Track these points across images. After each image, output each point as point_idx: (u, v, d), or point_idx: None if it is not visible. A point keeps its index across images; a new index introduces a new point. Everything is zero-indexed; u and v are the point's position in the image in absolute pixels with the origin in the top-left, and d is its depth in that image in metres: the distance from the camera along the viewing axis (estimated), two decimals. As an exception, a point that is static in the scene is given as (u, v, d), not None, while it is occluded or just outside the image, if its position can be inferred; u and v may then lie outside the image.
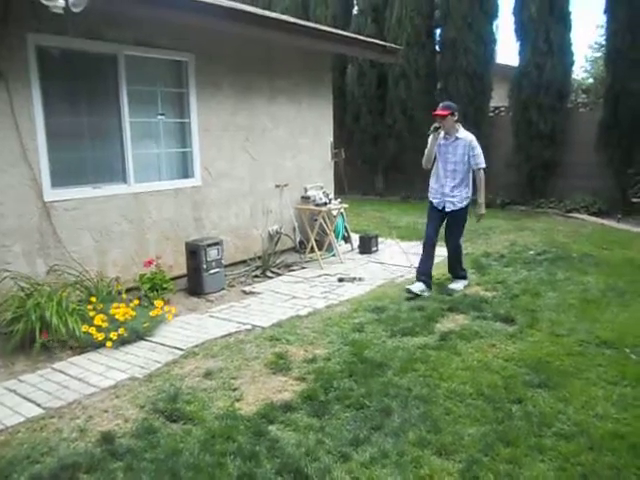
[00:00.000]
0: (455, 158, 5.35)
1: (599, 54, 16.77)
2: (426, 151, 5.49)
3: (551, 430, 2.94)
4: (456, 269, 5.73)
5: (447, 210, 5.44)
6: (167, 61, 5.63)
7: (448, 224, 5.56)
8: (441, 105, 5.36)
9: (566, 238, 8.04)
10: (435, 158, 5.49)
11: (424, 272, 5.47)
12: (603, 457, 2.69)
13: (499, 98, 11.79)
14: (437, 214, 5.52)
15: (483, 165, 5.38)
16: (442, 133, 5.36)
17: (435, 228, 5.54)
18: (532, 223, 9.38)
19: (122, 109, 5.14)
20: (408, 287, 5.35)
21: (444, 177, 5.43)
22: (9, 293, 4.28)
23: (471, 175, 5.44)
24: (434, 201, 5.54)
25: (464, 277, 5.74)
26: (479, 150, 5.34)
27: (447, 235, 5.64)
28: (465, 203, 5.43)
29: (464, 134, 5.37)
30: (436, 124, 5.31)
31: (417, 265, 5.60)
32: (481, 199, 5.55)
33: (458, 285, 5.60)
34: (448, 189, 5.40)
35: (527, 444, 2.81)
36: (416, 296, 5.22)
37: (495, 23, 11.22)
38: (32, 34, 4.45)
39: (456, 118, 5.33)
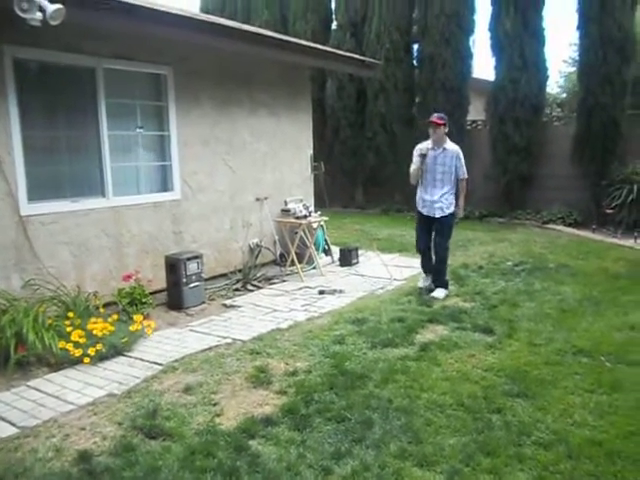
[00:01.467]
0: (444, 168, 5.64)
1: (573, 69, 17.20)
2: (413, 167, 5.74)
3: (530, 439, 2.97)
4: (440, 276, 5.85)
5: (437, 216, 5.69)
6: (146, 74, 5.62)
7: (437, 230, 5.78)
8: (436, 115, 5.66)
9: (543, 249, 8.18)
10: (422, 171, 5.74)
11: (429, 268, 5.96)
12: (581, 465, 2.73)
13: (476, 112, 12.01)
14: (427, 224, 5.81)
15: (467, 175, 5.79)
16: (430, 144, 5.63)
17: (427, 236, 5.86)
18: (510, 234, 9.52)
19: (100, 122, 5.11)
20: (420, 286, 5.90)
21: (433, 186, 5.69)
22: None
23: (456, 184, 5.74)
24: (424, 211, 5.79)
25: (446, 286, 5.84)
26: (464, 162, 5.72)
27: (436, 241, 5.82)
28: (453, 209, 5.71)
29: (451, 145, 5.69)
30: (423, 147, 5.63)
31: (420, 264, 6.09)
32: (461, 203, 5.85)
33: (440, 293, 5.71)
34: (437, 196, 5.66)
35: (507, 454, 2.83)
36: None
37: (472, 38, 11.48)
38: (9, 46, 4.41)
39: (446, 130, 5.65)
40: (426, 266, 6.01)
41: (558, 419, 3.17)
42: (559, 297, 5.61)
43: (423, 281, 6.02)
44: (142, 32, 4.94)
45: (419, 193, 5.83)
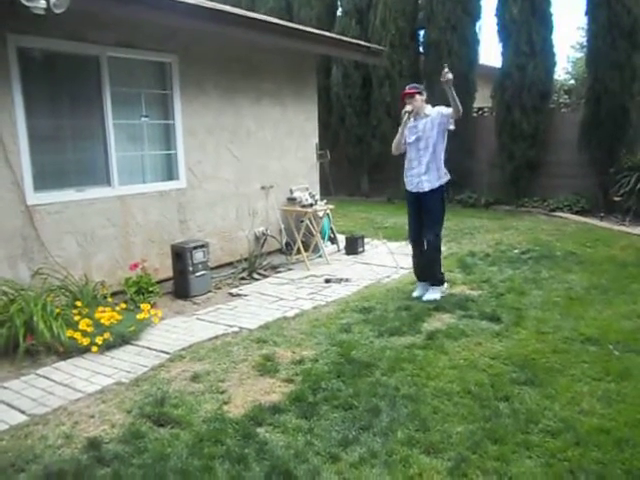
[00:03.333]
0: (426, 134, 5.14)
1: (580, 55, 17.00)
2: (397, 137, 5.32)
3: (538, 427, 2.96)
4: (432, 272, 5.28)
5: (425, 190, 5.16)
6: (151, 62, 5.59)
7: (426, 211, 5.21)
8: (408, 87, 5.28)
9: (550, 237, 8.14)
10: (405, 145, 5.31)
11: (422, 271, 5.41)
12: (589, 452, 2.72)
13: (483, 99, 11.90)
14: (416, 204, 5.28)
15: (450, 110, 5.00)
16: (412, 117, 5.18)
17: (418, 218, 5.29)
18: (516, 222, 9.47)
19: (105, 111, 5.10)
20: (415, 295, 5.29)
21: (417, 158, 5.21)
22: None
23: (442, 156, 5.20)
24: (409, 187, 5.30)
25: (441, 282, 5.34)
26: (447, 109, 5.03)
27: (425, 226, 5.22)
28: (441, 182, 5.17)
29: (432, 110, 5.18)
30: (408, 107, 5.14)
31: (413, 268, 5.57)
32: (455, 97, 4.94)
33: (434, 295, 5.19)
34: (423, 168, 5.16)
35: (514, 441, 2.83)
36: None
37: (478, 24, 11.35)
38: (13, 35, 4.39)
39: (424, 97, 5.21)
40: (419, 268, 5.43)
41: (566, 407, 3.16)
42: (567, 285, 5.58)
43: (418, 290, 5.34)
44: (146, 20, 4.91)
45: (405, 171, 5.36)
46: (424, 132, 5.16)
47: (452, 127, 5.15)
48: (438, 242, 5.31)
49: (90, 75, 5.03)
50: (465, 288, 5.60)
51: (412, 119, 5.21)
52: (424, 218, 5.26)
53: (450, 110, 5.00)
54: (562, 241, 7.79)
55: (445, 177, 5.23)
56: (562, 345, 4.06)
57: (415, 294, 5.33)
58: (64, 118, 4.97)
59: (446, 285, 5.44)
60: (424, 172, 5.18)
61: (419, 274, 5.45)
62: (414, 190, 5.27)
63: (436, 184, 5.17)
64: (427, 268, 5.33)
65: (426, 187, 5.18)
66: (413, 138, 5.23)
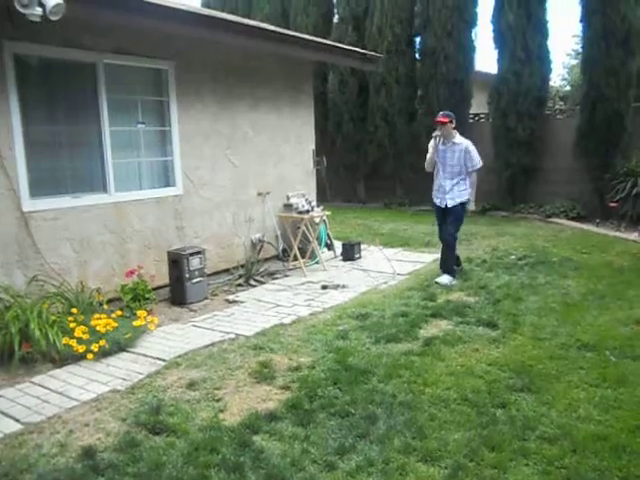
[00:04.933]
0: (453, 161, 5.96)
1: (576, 61, 17.11)
2: (428, 156, 6.13)
3: (535, 434, 2.96)
4: (446, 262, 6.08)
5: (448, 206, 6.02)
6: (147, 69, 5.60)
7: (447, 217, 6.07)
8: (441, 113, 5.99)
9: (546, 243, 8.15)
10: (435, 162, 6.10)
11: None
12: (586, 459, 2.71)
13: (479, 105, 11.95)
14: (441, 212, 6.13)
15: (478, 166, 6.00)
16: (441, 140, 5.96)
17: (442, 224, 6.19)
18: (513, 228, 9.49)
19: (102, 117, 5.10)
20: (436, 280, 5.94)
21: (444, 178, 6.04)
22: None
23: (464, 180, 6.00)
24: (436, 201, 6.16)
25: (452, 273, 6.03)
26: (474, 154, 5.95)
27: (446, 227, 6.09)
28: (463, 199, 5.99)
29: (460, 140, 5.98)
30: (437, 132, 5.93)
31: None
32: (473, 197, 6.09)
33: (444, 279, 5.92)
34: (448, 188, 6.00)
35: (511, 448, 2.83)
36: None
37: (474, 31, 11.40)
38: (9, 42, 4.39)
39: (454, 125, 5.95)
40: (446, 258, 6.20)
41: (563, 413, 3.16)
42: (563, 291, 5.59)
43: (442, 280, 6.07)
44: (143, 27, 4.92)
45: (434, 186, 6.20)
46: (451, 160, 5.97)
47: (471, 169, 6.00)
48: (452, 241, 6.09)
49: (86, 82, 5.03)
50: (462, 294, 5.60)
51: (441, 142, 5.98)
52: (446, 222, 6.14)
53: (477, 165, 5.98)
54: (558, 247, 7.80)
55: (465, 197, 6.01)
56: (559, 351, 4.06)
57: (438, 280, 6.03)
58: (60, 125, 4.97)
59: (455, 279, 6.01)
60: (448, 192, 6.03)
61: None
62: (438, 204, 6.15)
63: (457, 201, 6.02)
64: (442, 260, 6.19)
65: (450, 204, 6.04)
66: (441, 162, 6.05)
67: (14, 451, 2.91)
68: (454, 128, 5.97)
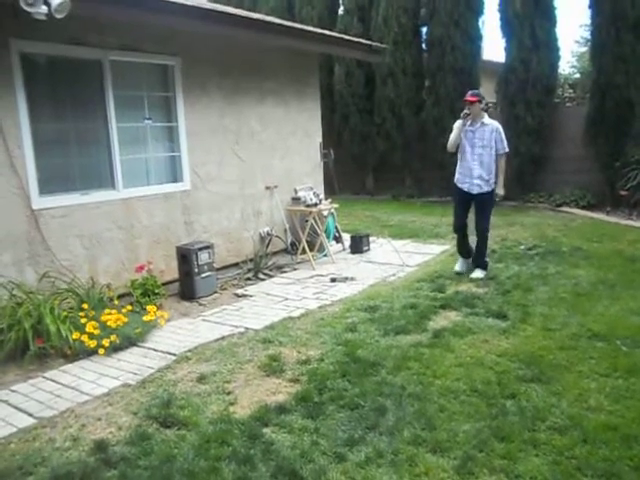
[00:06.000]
0: (482, 142, 5.66)
1: (585, 49, 16.88)
2: (452, 136, 5.77)
3: (545, 424, 2.95)
4: (480, 256, 5.91)
5: (475, 192, 5.72)
6: (153, 65, 5.60)
7: (477, 209, 5.82)
8: (470, 92, 5.74)
9: (556, 232, 8.09)
10: (459, 145, 5.78)
11: (465, 251, 6.05)
12: (597, 450, 2.70)
13: (486, 94, 11.79)
14: (465, 201, 5.84)
15: (507, 149, 5.75)
16: (469, 120, 5.67)
17: (465, 211, 5.91)
18: (522, 218, 9.43)
19: (109, 114, 5.12)
20: (457, 270, 5.95)
21: (472, 161, 5.70)
22: (1, 302, 4.24)
23: (494, 165, 5.72)
24: (463, 187, 5.79)
25: (485, 267, 5.91)
26: (504, 136, 5.70)
27: (477, 220, 5.85)
28: (492, 186, 5.73)
29: (490, 121, 5.72)
30: (466, 110, 5.63)
31: (457, 247, 6.18)
32: (500, 180, 5.79)
33: (478, 274, 5.80)
34: (477, 172, 5.68)
35: (521, 439, 2.82)
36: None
37: (481, 20, 11.28)
38: (15, 40, 4.41)
39: (482, 105, 5.68)
40: (462, 248, 6.07)
41: (573, 404, 3.14)
42: (573, 281, 5.55)
43: (459, 265, 6.06)
44: (148, 23, 4.92)
45: (458, 169, 5.87)
46: (482, 140, 5.66)
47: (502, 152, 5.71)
48: (487, 235, 5.90)
49: (93, 79, 5.05)
50: (471, 285, 5.58)
51: (469, 122, 5.67)
52: (477, 211, 5.86)
53: (505, 145, 5.71)
54: (568, 236, 7.74)
55: (492, 184, 5.74)
56: (569, 341, 4.03)
57: (456, 268, 6.04)
58: (68, 122, 4.99)
59: (488, 271, 5.88)
60: (477, 176, 5.70)
61: (462, 251, 6.09)
62: (466, 189, 5.79)
63: (485, 188, 5.71)
64: (476, 254, 5.95)
65: (476, 190, 5.73)
66: (469, 143, 5.72)
67: (28, 445, 2.96)
68: (483, 109, 5.71)
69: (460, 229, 5.99)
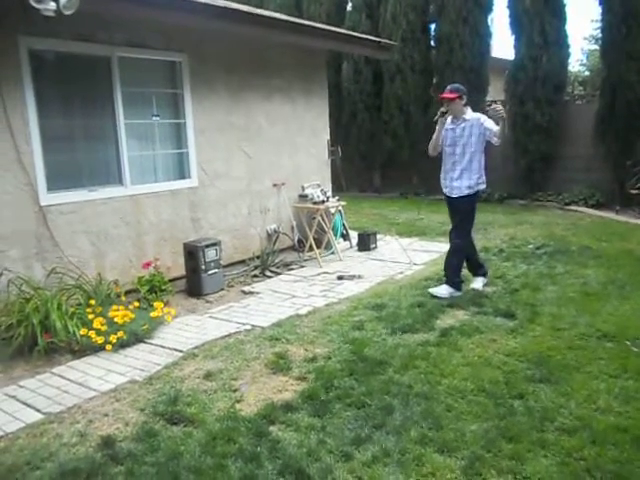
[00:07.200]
0: (463, 140, 5.00)
1: (594, 46, 16.75)
2: (433, 137, 5.22)
3: (553, 425, 2.93)
4: (448, 268, 5.22)
5: (455, 196, 5.11)
6: (161, 62, 5.60)
7: (455, 214, 5.22)
8: (449, 87, 5.09)
9: (565, 231, 8.03)
10: (443, 145, 5.19)
11: (471, 265, 5.41)
12: (606, 451, 2.67)
13: (495, 92, 11.77)
14: (449, 203, 5.27)
15: (497, 128, 4.84)
16: (449, 118, 5.08)
17: (454, 217, 5.31)
18: (531, 217, 9.37)
19: (117, 111, 5.12)
20: (430, 290, 5.15)
21: (451, 162, 5.11)
22: (9, 298, 4.26)
23: (482, 160, 5.06)
24: (445, 190, 5.24)
25: (452, 284, 5.14)
26: (490, 122, 4.90)
27: (452, 227, 5.27)
28: (473, 190, 5.04)
29: (472, 115, 5.03)
30: (443, 108, 5.05)
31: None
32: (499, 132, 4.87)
33: (440, 291, 5.11)
34: (457, 174, 5.07)
35: (529, 439, 2.80)
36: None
37: (490, 17, 11.22)
38: (24, 37, 4.42)
39: (464, 102, 5.02)
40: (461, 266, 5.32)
41: (582, 404, 3.12)
42: (582, 280, 5.50)
43: (437, 291, 5.17)
44: (156, 19, 4.92)
45: (441, 172, 5.26)
46: (461, 138, 5.01)
47: (496, 142, 4.92)
48: (459, 246, 5.17)
49: (101, 75, 5.05)
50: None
51: (449, 121, 5.09)
52: (452, 219, 5.31)
53: (495, 128, 4.85)
54: (577, 235, 7.68)
55: (477, 187, 5.07)
56: (578, 342, 4.00)
57: (432, 291, 5.18)
58: (76, 119, 5.00)
59: (459, 293, 5.14)
60: (456, 178, 5.09)
61: (469, 267, 5.44)
62: (447, 193, 5.23)
63: (465, 192, 5.05)
64: (445, 266, 5.29)
65: (455, 193, 5.12)
66: (449, 142, 5.11)
67: (35, 440, 2.97)
68: (465, 104, 5.01)
69: (450, 237, 5.35)
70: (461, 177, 5.06)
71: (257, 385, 3.53)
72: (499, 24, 33.00)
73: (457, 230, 5.20)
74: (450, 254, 5.26)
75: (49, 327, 4.04)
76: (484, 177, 5.11)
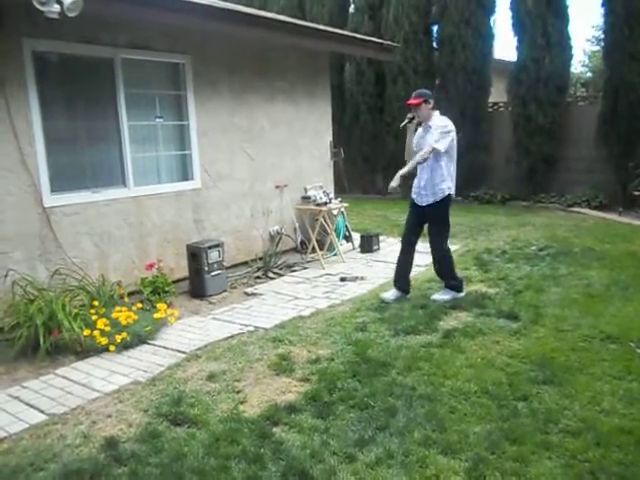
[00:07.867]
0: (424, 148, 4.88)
1: (597, 48, 16.73)
2: (407, 143, 5.15)
3: (557, 427, 2.92)
4: (444, 278, 5.21)
5: (424, 204, 5.00)
6: (164, 64, 5.61)
7: (428, 224, 5.13)
8: (414, 94, 4.99)
9: (568, 233, 8.02)
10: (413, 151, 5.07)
11: (400, 276, 5.23)
12: (610, 453, 2.67)
13: (498, 94, 11.77)
14: (414, 210, 5.13)
15: (435, 145, 4.74)
16: (415, 123, 5.02)
17: (412, 225, 5.19)
18: (533, 218, 9.36)
19: (120, 112, 5.13)
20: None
21: (420, 169, 4.98)
22: (14, 299, 4.26)
23: (450, 166, 4.96)
24: (413, 196, 5.13)
25: (456, 288, 5.12)
26: (437, 132, 4.79)
27: (430, 239, 5.17)
28: (442, 195, 4.91)
29: (435, 121, 4.90)
30: (409, 114, 4.99)
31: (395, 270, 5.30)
32: (402, 172, 4.93)
33: (443, 297, 5.06)
34: (423, 181, 4.96)
35: (533, 441, 2.79)
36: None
37: (493, 18, 11.24)
38: (28, 39, 4.43)
39: (431, 106, 4.91)
40: (398, 272, 5.23)
41: (586, 406, 3.11)
42: (585, 282, 5.49)
43: (390, 294, 5.17)
44: (159, 21, 4.92)
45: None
46: (426, 143, 4.89)
47: (441, 149, 4.80)
48: (446, 251, 5.15)
49: (104, 77, 5.06)
50: (482, 286, 5.54)
51: (419, 127, 5.03)
52: (428, 228, 5.17)
53: (435, 143, 4.76)
54: (580, 237, 7.67)
55: (441, 194, 4.92)
56: (581, 343, 3.99)
57: (386, 295, 5.16)
58: (79, 120, 5.02)
59: (462, 294, 5.14)
60: (423, 186, 5.00)
61: (397, 276, 5.27)
62: (417, 202, 5.11)
63: (430, 200, 4.97)
64: (440, 272, 5.25)
65: (424, 201, 5.02)
66: (416, 148, 5.02)
67: (39, 441, 2.98)
68: (432, 109, 4.91)
69: (404, 241, 5.28)
70: (426, 186, 4.97)
71: (260, 386, 3.53)
72: (502, 26, 33.07)
73: (436, 236, 5.10)
74: (437, 264, 5.20)
75: (53, 328, 4.05)
76: (451, 183, 4.99)
